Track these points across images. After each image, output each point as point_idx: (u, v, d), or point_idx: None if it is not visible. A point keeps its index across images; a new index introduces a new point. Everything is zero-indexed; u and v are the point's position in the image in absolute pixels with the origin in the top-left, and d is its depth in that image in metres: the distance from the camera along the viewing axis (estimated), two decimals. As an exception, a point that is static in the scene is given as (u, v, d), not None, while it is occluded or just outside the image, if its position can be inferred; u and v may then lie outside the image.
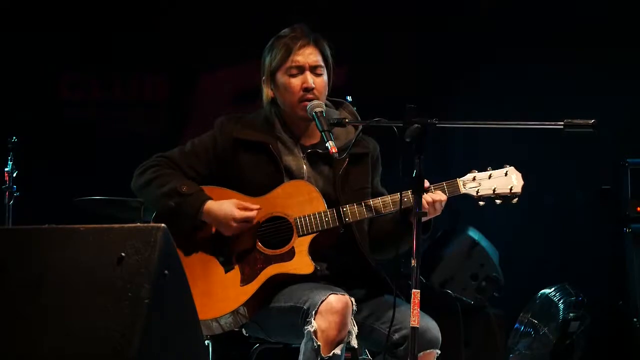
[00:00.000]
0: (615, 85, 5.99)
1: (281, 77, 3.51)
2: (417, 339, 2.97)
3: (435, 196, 3.33)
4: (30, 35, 6.20)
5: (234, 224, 3.41)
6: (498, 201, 3.38)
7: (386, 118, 3.26)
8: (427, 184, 3.31)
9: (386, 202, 3.41)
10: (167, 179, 3.48)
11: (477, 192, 3.38)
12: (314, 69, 3.49)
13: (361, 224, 3.49)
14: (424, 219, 3.22)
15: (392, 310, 3.23)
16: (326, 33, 3.60)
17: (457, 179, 3.40)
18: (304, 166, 3.52)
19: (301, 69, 3.48)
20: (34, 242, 2.61)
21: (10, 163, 5.13)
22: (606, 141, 5.58)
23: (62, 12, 6.21)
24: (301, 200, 3.43)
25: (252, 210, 3.42)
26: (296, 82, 3.48)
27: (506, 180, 3.37)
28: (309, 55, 3.49)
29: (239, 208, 3.42)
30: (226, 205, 3.43)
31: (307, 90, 3.46)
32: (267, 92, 3.55)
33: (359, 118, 3.56)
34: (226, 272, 3.44)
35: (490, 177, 3.38)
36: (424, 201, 3.27)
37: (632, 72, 6.00)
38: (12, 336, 2.49)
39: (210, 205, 3.43)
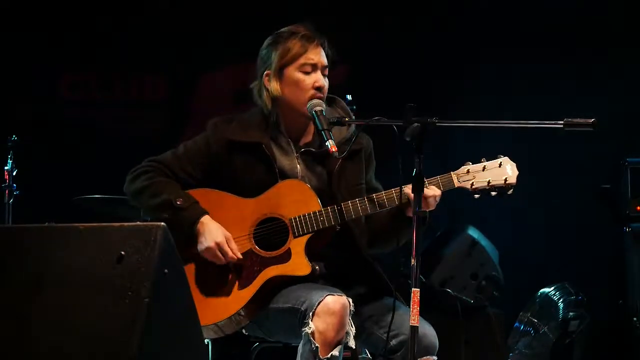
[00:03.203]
0: (615, 85, 5.99)
1: (293, 73, 3.46)
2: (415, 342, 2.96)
3: (429, 192, 3.29)
4: (31, 35, 6.20)
5: (212, 244, 3.35)
6: (493, 193, 3.32)
7: (386, 117, 3.25)
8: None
9: (382, 199, 3.37)
10: (160, 188, 3.43)
11: (472, 185, 3.32)
12: (324, 70, 3.48)
13: (358, 221, 3.46)
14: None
15: (391, 314, 3.22)
16: (326, 33, 3.60)
17: (451, 172, 3.35)
18: (298, 165, 3.49)
19: (314, 68, 3.46)
20: (33, 240, 2.61)
21: (10, 162, 5.14)
22: (606, 140, 5.59)
23: (62, 12, 6.21)
24: (295, 199, 3.40)
25: (236, 253, 3.38)
26: (309, 80, 3.45)
27: (500, 171, 3.31)
28: (321, 56, 3.47)
29: (227, 240, 3.38)
30: (219, 230, 3.39)
31: (319, 89, 3.45)
32: (273, 87, 3.48)
33: (352, 114, 3.54)
34: (223, 277, 3.41)
35: (484, 169, 3.32)
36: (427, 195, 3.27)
37: (632, 72, 6.00)
38: (11, 335, 2.48)
39: (204, 222, 3.39)
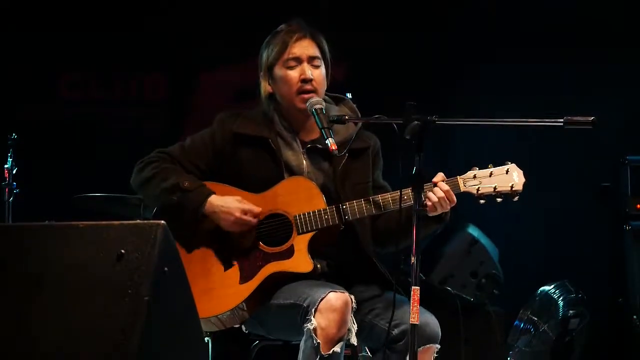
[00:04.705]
0: (615, 84, 5.99)
1: (279, 70, 3.51)
2: (417, 334, 2.96)
3: (438, 192, 3.29)
4: (31, 35, 6.20)
5: (236, 215, 3.39)
6: (499, 199, 3.33)
7: (386, 115, 3.26)
8: (441, 176, 3.32)
9: (387, 200, 3.39)
10: (168, 174, 3.47)
11: (478, 190, 3.32)
12: (311, 61, 3.50)
13: (362, 220, 3.47)
14: (434, 214, 3.29)
15: (392, 306, 3.22)
16: (327, 31, 3.61)
17: (458, 177, 3.35)
18: (304, 162, 3.52)
19: (298, 61, 3.49)
20: (33, 239, 2.60)
21: (10, 160, 5.14)
22: (606, 139, 5.59)
23: (62, 12, 6.21)
24: (301, 197, 3.42)
25: (254, 210, 3.42)
26: (294, 74, 3.48)
27: (507, 177, 3.31)
28: (305, 47, 3.50)
29: (240, 203, 3.41)
30: (229, 200, 3.42)
31: (305, 81, 3.47)
32: (265, 87, 3.55)
33: (359, 114, 3.55)
34: (225, 270, 3.44)
35: (491, 174, 3.33)
36: (430, 199, 3.27)
37: (632, 72, 6.00)
38: (11, 335, 2.48)
39: (213, 199, 3.43)
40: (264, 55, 3.55)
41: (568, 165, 6.02)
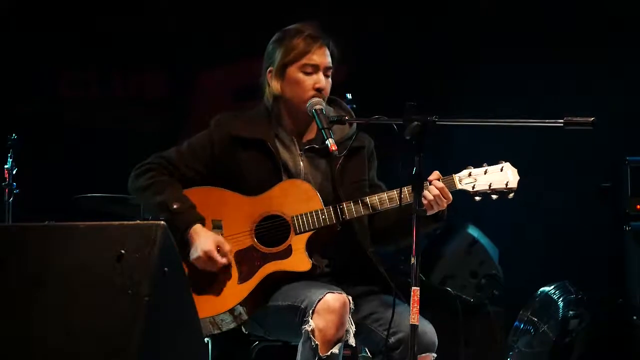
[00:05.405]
0: (615, 84, 5.99)
1: (294, 72, 3.49)
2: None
3: (433, 190, 3.31)
4: (31, 35, 6.20)
5: (200, 254, 3.36)
6: (494, 196, 3.36)
7: (386, 116, 3.26)
8: (436, 175, 3.34)
9: (384, 199, 3.40)
10: (161, 188, 3.46)
11: (473, 187, 3.36)
12: (326, 71, 3.50)
13: (361, 219, 3.48)
14: (431, 212, 3.31)
15: (391, 311, 3.22)
16: (326, 32, 3.60)
17: (453, 175, 3.39)
18: (301, 162, 3.52)
19: (316, 69, 3.48)
20: (33, 239, 2.61)
21: (10, 160, 5.14)
22: (606, 139, 5.59)
23: (61, 11, 6.22)
24: (298, 199, 3.43)
25: (227, 258, 3.39)
26: (310, 80, 3.47)
27: (502, 175, 3.36)
28: (325, 57, 3.49)
29: (217, 246, 3.38)
30: (208, 239, 3.39)
31: (320, 90, 3.47)
32: (275, 86, 3.52)
33: (353, 115, 3.57)
34: (224, 270, 3.43)
35: (485, 172, 3.37)
36: (425, 197, 3.27)
37: (632, 72, 6.00)
38: (11, 335, 2.48)
39: (195, 230, 3.40)
40: (278, 53, 3.50)
41: (568, 165, 6.02)
